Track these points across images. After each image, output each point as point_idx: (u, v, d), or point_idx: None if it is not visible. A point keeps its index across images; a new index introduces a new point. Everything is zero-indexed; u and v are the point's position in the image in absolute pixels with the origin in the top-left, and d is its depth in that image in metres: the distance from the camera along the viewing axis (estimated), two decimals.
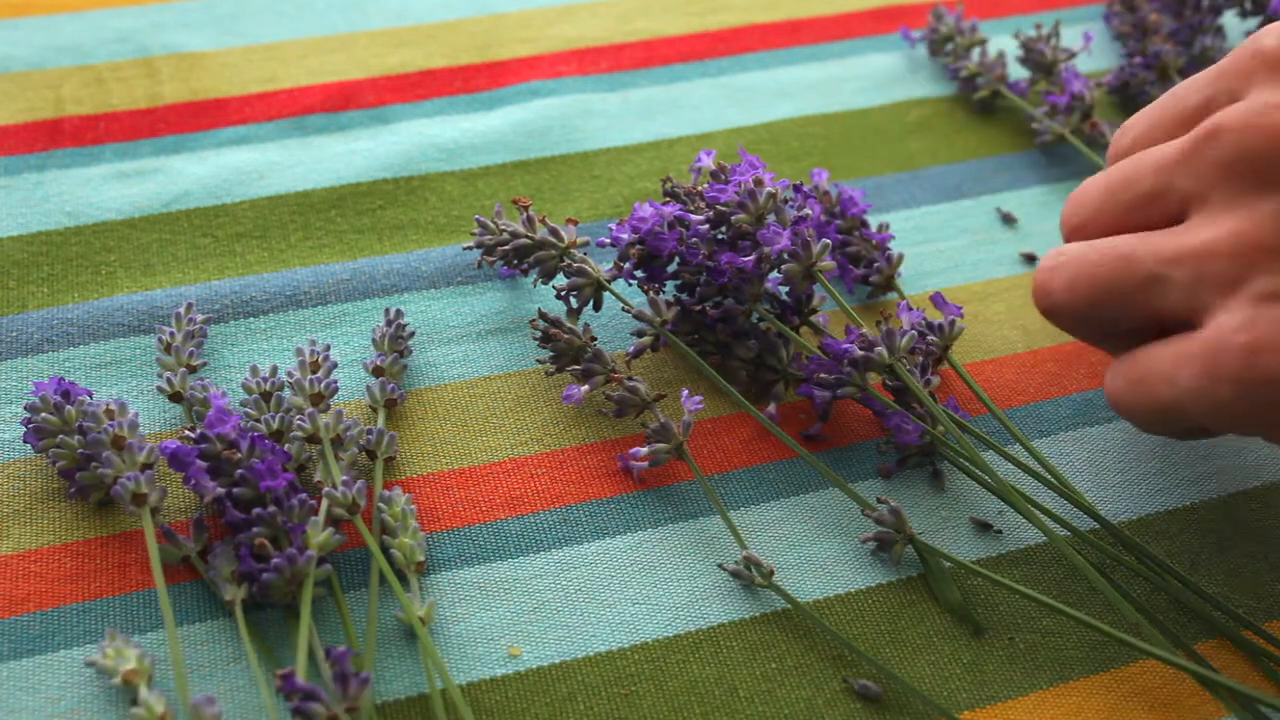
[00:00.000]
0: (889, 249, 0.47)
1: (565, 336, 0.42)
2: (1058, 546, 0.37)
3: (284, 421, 0.39)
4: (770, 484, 0.41)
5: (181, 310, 0.42)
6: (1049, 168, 0.54)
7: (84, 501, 0.39)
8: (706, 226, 0.42)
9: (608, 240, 0.44)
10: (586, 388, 0.41)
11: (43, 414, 0.38)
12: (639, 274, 0.43)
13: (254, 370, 0.40)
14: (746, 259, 0.41)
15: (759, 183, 0.41)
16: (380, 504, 0.38)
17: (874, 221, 0.50)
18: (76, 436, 0.38)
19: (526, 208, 0.43)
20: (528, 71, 0.56)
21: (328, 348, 0.41)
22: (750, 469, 0.41)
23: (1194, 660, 0.37)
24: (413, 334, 0.43)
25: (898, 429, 0.40)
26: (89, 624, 0.36)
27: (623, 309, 0.43)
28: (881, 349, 0.40)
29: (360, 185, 0.50)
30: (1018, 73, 0.58)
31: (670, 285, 0.45)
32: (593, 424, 0.42)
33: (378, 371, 0.42)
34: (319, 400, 0.40)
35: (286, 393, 0.40)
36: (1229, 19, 0.61)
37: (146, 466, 0.37)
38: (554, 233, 0.43)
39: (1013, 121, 0.56)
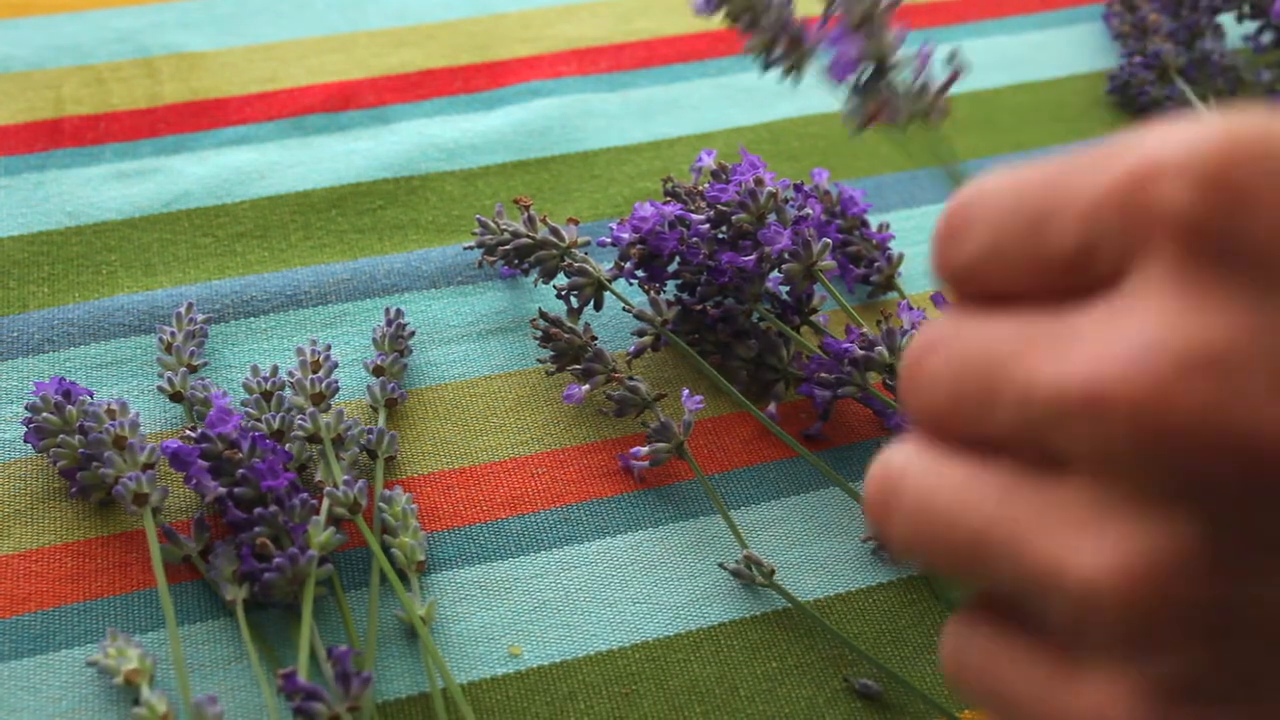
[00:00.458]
0: (889, 249, 0.47)
1: (566, 336, 0.42)
2: None
3: (285, 421, 0.39)
4: (771, 483, 0.41)
5: (182, 310, 0.42)
6: None
7: (85, 501, 0.39)
8: (707, 226, 0.42)
9: (608, 240, 0.44)
10: (587, 387, 0.41)
11: (44, 414, 0.38)
12: (640, 273, 0.44)
13: (255, 370, 0.40)
14: (747, 258, 0.41)
15: (759, 182, 0.42)
16: (381, 503, 0.38)
17: (874, 221, 0.50)
18: (78, 436, 0.38)
19: (528, 207, 0.43)
20: (528, 71, 0.56)
21: (328, 347, 0.41)
22: (751, 468, 0.41)
23: None
24: (413, 334, 0.43)
25: (899, 430, 0.40)
26: (90, 623, 0.36)
27: (624, 309, 0.43)
28: (882, 348, 0.40)
29: (360, 185, 0.50)
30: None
31: (671, 285, 0.45)
32: (593, 423, 0.42)
33: (378, 371, 0.42)
34: (320, 400, 0.40)
35: (287, 392, 0.40)
36: (1227, 20, 0.61)
37: (148, 466, 0.37)
38: (555, 232, 0.43)
39: (1013, 121, 0.56)
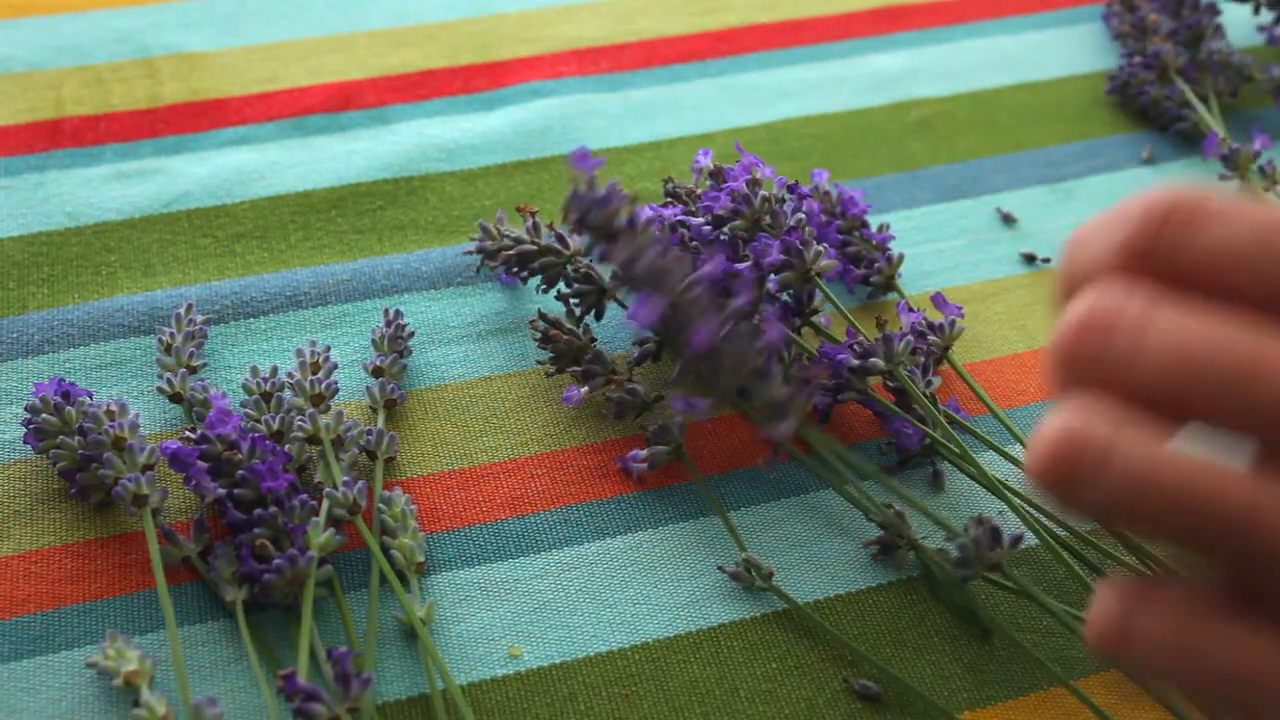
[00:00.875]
0: (889, 249, 0.47)
1: (565, 337, 0.42)
2: (1051, 549, 0.37)
3: (284, 422, 0.39)
4: (771, 484, 0.41)
5: (182, 311, 0.42)
6: (1049, 167, 0.54)
7: (85, 502, 0.39)
8: (708, 229, 0.42)
9: None
10: (586, 389, 0.41)
11: (43, 415, 0.38)
12: None
13: (254, 371, 0.40)
14: (743, 265, 0.41)
15: (755, 184, 0.41)
16: (380, 504, 0.38)
17: (874, 221, 0.50)
18: (77, 437, 0.38)
19: (534, 214, 0.43)
20: (528, 72, 0.56)
21: (328, 348, 0.41)
22: (751, 469, 0.41)
23: None
24: (412, 334, 0.43)
25: (899, 433, 0.40)
26: (90, 625, 0.36)
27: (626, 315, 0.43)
28: (877, 359, 0.40)
29: (360, 185, 0.50)
30: None
31: None
32: (593, 425, 0.42)
33: (378, 372, 0.42)
34: (319, 401, 0.40)
35: (287, 393, 0.40)
36: (1229, 18, 0.61)
37: (147, 467, 0.37)
38: (559, 239, 0.43)
39: (1013, 121, 0.56)
